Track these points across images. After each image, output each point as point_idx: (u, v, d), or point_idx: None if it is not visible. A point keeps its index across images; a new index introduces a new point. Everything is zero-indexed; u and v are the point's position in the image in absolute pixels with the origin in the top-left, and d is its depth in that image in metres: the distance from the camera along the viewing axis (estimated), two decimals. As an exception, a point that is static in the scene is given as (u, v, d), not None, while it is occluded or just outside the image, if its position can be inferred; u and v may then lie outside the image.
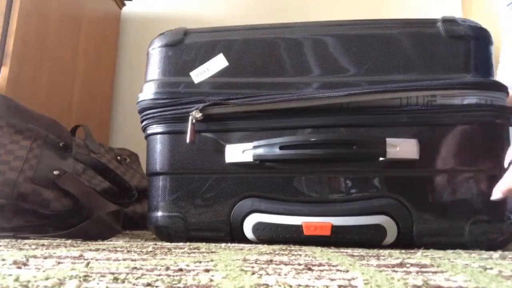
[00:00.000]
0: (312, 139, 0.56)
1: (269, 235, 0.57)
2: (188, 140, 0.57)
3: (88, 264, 0.33)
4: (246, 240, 0.58)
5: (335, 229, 0.55)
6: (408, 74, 0.58)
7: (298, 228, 0.55)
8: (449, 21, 0.61)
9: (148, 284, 0.25)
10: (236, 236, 0.59)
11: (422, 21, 0.62)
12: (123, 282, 0.26)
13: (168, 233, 0.60)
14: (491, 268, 0.34)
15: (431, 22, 0.61)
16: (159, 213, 0.60)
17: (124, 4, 1.44)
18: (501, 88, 0.57)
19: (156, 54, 0.64)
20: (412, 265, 0.36)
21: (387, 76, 0.58)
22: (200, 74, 0.61)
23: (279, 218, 0.56)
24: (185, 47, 0.63)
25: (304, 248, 0.52)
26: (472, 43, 0.59)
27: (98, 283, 0.25)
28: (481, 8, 1.35)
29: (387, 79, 0.58)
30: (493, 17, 1.26)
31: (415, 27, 0.61)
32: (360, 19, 0.64)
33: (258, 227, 0.57)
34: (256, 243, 0.58)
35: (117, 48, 1.42)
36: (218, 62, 0.61)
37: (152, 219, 0.61)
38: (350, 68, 0.60)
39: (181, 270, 0.31)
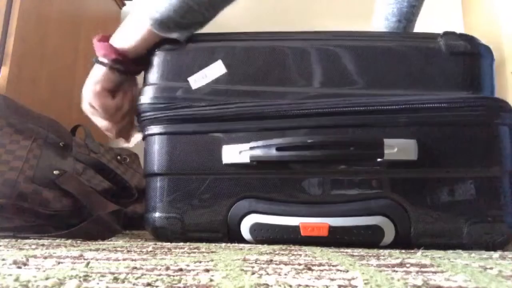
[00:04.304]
0: (309, 141, 0.56)
1: (267, 236, 0.57)
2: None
3: (88, 264, 0.33)
4: (244, 241, 0.58)
5: (332, 229, 0.55)
6: (407, 89, 0.58)
7: (296, 228, 0.55)
8: (450, 36, 0.60)
9: (148, 284, 0.25)
10: (233, 237, 0.59)
11: (423, 35, 0.62)
12: (123, 282, 0.26)
13: (166, 234, 0.60)
14: (491, 268, 0.34)
15: (432, 37, 0.60)
16: (157, 214, 0.60)
17: (124, 4, 1.44)
18: (503, 108, 0.56)
19: (155, 58, 0.64)
20: (412, 265, 0.36)
21: (386, 91, 0.58)
22: (198, 80, 0.61)
23: (276, 219, 0.56)
24: (184, 52, 0.63)
25: (304, 248, 0.52)
26: (473, 60, 0.59)
27: (98, 283, 0.25)
28: (481, 11, 1.35)
29: (386, 93, 0.58)
30: (493, 18, 1.26)
31: (416, 41, 0.60)
32: (362, 30, 0.64)
33: (256, 228, 0.57)
34: (253, 243, 0.58)
35: (117, 48, 1.41)
36: (217, 69, 0.61)
37: (149, 220, 0.61)
38: (349, 80, 0.59)
39: (181, 270, 0.31)
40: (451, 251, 0.52)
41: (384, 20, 0.86)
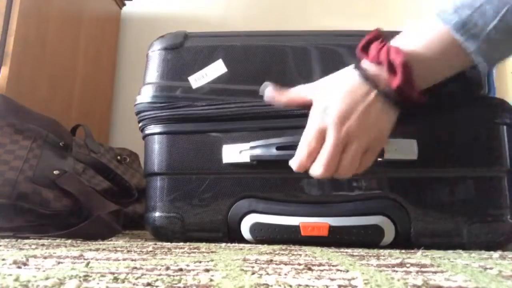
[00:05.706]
0: (309, 140, 0.56)
1: (267, 236, 0.57)
2: None
3: (88, 264, 0.33)
4: (244, 241, 0.58)
5: (332, 229, 0.55)
6: None
7: (296, 228, 0.55)
8: None
9: (148, 284, 0.25)
10: (233, 236, 0.59)
11: None
12: (123, 282, 0.26)
13: (166, 234, 0.60)
14: (491, 268, 0.34)
15: None
16: (157, 214, 0.60)
17: (124, 4, 1.44)
18: (503, 107, 0.56)
19: (155, 57, 0.64)
20: (412, 265, 0.36)
21: None
22: (198, 79, 0.61)
23: (276, 219, 0.56)
24: (184, 51, 0.63)
25: (304, 248, 0.52)
26: None
27: (98, 283, 0.25)
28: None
29: None
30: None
31: None
32: (362, 30, 0.64)
33: (256, 228, 0.57)
34: (253, 243, 0.58)
35: (117, 48, 1.42)
36: (217, 68, 0.61)
37: (149, 219, 0.61)
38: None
39: (181, 270, 0.31)
40: (451, 251, 0.52)
41: None
